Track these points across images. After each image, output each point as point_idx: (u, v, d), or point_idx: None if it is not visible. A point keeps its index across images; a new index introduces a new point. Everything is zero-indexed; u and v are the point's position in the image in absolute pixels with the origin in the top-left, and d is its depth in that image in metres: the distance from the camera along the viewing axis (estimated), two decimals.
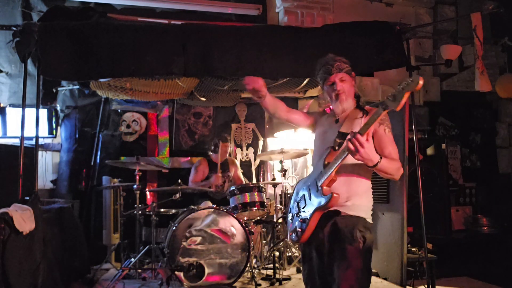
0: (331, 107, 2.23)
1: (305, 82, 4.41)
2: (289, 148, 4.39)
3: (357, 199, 2.03)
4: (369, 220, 2.06)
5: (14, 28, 3.06)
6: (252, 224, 4.10)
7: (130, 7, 5.08)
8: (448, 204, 5.29)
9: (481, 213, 5.76)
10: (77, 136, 4.95)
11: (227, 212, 3.69)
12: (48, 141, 4.90)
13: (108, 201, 4.56)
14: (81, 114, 4.99)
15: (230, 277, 3.57)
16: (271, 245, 4.29)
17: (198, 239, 3.54)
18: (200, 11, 5.30)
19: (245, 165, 5.42)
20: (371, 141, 1.93)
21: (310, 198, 2.05)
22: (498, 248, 5.09)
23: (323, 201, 1.95)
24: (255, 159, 5.46)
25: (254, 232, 4.08)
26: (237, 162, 5.02)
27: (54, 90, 4.90)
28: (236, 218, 3.66)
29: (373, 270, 4.08)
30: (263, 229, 4.35)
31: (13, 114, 4.49)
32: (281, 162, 4.45)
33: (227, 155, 4.76)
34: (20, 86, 4.52)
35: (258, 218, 4.18)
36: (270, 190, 4.92)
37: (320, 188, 1.98)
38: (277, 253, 4.17)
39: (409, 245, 3.98)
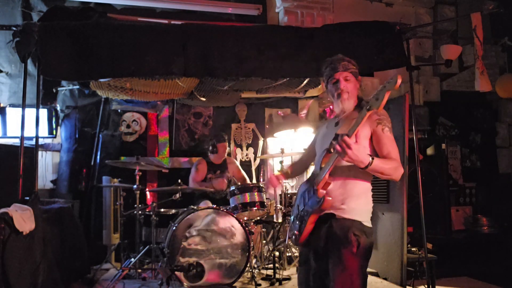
0: (331, 107, 2.24)
1: (305, 82, 4.41)
2: (289, 148, 4.38)
3: (353, 202, 2.01)
4: (367, 223, 2.03)
5: (14, 28, 3.06)
6: (252, 224, 4.10)
7: (130, 7, 5.08)
8: (448, 204, 5.28)
9: (481, 213, 5.75)
10: (77, 136, 4.94)
11: (227, 212, 3.69)
12: (48, 141, 4.90)
13: (108, 201, 4.56)
14: (81, 114, 4.98)
15: (230, 277, 3.57)
16: (272, 245, 4.29)
17: (198, 239, 3.54)
18: (200, 11, 5.30)
19: (245, 165, 5.42)
20: (360, 142, 1.93)
21: (307, 201, 2.05)
22: (498, 248, 5.09)
23: (316, 204, 1.96)
24: (255, 159, 5.46)
25: (254, 232, 4.08)
26: (237, 162, 5.01)
27: (54, 90, 4.90)
28: (236, 218, 3.66)
29: (373, 270, 4.08)
30: (263, 229, 4.35)
31: (13, 114, 4.49)
32: (281, 162, 4.45)
33: (226, 155, 4.75)
34: (20, 86, 4.52)
35: (258, 218, 4.18)
36: (270, 190, 4.92)
37: (315, 190, 1.98)
38: (277, 253, 4.17)
39: (409, 245, 3.98)
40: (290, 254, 4.45)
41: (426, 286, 3.61)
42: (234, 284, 3.61)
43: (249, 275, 3.84)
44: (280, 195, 4.58)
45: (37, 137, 3.24)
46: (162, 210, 4.04)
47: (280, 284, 3.78)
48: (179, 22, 3.62)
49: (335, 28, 3.72)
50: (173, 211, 4.02)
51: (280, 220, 4.37)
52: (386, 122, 2.03)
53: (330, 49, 3.52)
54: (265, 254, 4.28)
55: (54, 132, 4.75)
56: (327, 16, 5.55)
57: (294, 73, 3.58)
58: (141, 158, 4.03)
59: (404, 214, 3.74)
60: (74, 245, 3.86)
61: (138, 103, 5.08)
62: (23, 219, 2.69)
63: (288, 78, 4.13)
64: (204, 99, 4.78)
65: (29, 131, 3.40)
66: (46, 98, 4.82)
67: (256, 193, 3.95)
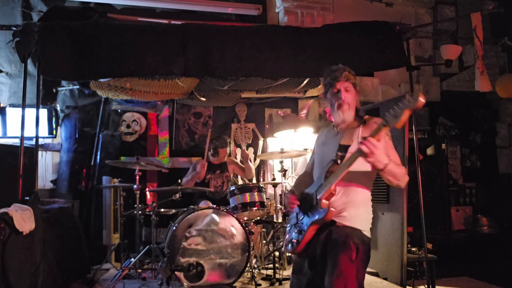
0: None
1: (305, 82, 4.41)
2: (289, 148, 4.38)
3: (354, 209, 2.02)
4: (366, 233, 2.04)
5: (14, 28, 3.06)
6: (252, 224, 4.10)
7: (130, 7, 5.08)
8: (448, 204, 5.28)
9: (481, 213, 5.75)
10: (77, 136, 4.94)
11: (227, 212, 3.69)
12: (48, 141, 4.90)
13: (108, 201, 4.56)
14: (81, 114, 4.98)
15: (230, 277, 3.57)
16: (272, 245, 4.29)
17: (198, 239, 3.54)
18: (200, 11, 5.30)
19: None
20: (382, 143, 1.92)
21: (308, 211, 2.04)
22: (498, 248, 5.09)
23: (320, 215, 1.95)
24: (255, 159, 5.46)
25: (254, 232, 4.07)
26: (235, 160, 5.01)
27: (54, 90, 4.90)
28: (236, 218, 3.66)
29: (373, 270, 4.08)
30: (263, 229, 4.35)
31: (13, 114, 4.49)
32: (281, 162, 4.45)
33: (225, 159, 4.76)
34: (20, 86, 4.51)
35: (258, 218, 4.18)
36: (270, 190, 4.92)
37: (318, 201, 1.97)
38: (277, 253, 4.17)
39: (409, 245, 3.98)
40: (289, 254, 4.44)
41: (426, 286, 3.61)
42: (234, 284, 3.61)
43: (249, 275, 3.84)
44: (280, 195, 4.58)
45: (37, 137, 3.24)
46: (162, 210, 4.04)
47: (280, 284, 3.78)
48: (179, 22, 3.61)
49: (335, 28, 3.72)
50: (173, 211, 4.02)
51: (280, 220, 4.36)
52: (387, 130, 2.03)
53: (330, 49, 3.53)
54: (265, 254, 4.28)
55: (54, 132, 4.75)
56: (327, 16, 5.55)
57: (294, 73, 3.58)
58: (141, 158, 4.02)
59: (404, 214, 3.74)
60: (74, 245, 3.86)
61: (138, 103, 5.08)
62: (23, 219, 2.69)
63: (288, 78, 4.14)
64: (204, 99, 4.78)
65: (29, 131, 3.40)
66: (46, 98, 4.82)
67: (256, 193, 3.95)
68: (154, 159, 5.09)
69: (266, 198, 4.13)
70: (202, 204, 4.16)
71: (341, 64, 2.17)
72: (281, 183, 4.44)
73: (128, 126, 5.12)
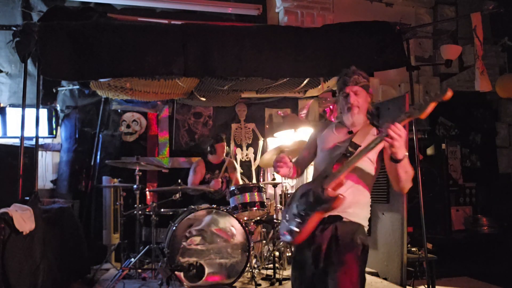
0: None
1: (305, 82, 4.41)
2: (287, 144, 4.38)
3: (358, 208, 2.06)
4: (366, 229, 2.10)
5: (14, 28, 3.06)
6: (252, 224, 4.10)
7: (130, 7, 5.08)
8: (448, 204, 5.29)
9: (481, 213, 5.75)
10: (77, 136, 4.94)
11: (227, 212, 3.69)
12: (48, 141, 4.90)
13: (108, 201, 4.56)
14: (81, 114, 4.99)
15: (230, 277, 3.57)
16: (272, 245, 4.29)
17: (198, 239, 3.54)
18: (200, 11, 5.30)
19: (245, 165, 5.42)
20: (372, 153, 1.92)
21: (312, 200, 2.03)
22: (498, 248, 5.09)
23: (326, 202, 1.94)
24: (255, 159, 5.46)
25: (254, 232, 4.08)
26: (236, 165, 5.01)
27: (54, 90, 4.90)
28: (236, 218, 3.66)
29: (373, 270, 4.08)
30: (263, 229, 4.35)
31: (13, 114, 4.49)
32: None
33: (224, 155, 4.76)
34: (20, 86, 4.52)
35: (258, 218, 4.18)
36: (270, 190, 4.92)
37: (325, 189, 1.97)
38: (277, 253, 4.17)
39: (409, 245, 3.98)
40: (290, 254, 4.45)
41: (426, 286, 3.61)
42: (234, 284, 3.61)
43: (249, 275, 3.84)
44: (280, 195, 4.58)
45: (37, 137, 3.24)
46: (162, 210, 4.04)
47: (280, 284, 3.78)
48: (179, 22, 3.61)
49: (335, 28, 3.72)
50: (173, 211, 4.02)
51: (280, 220, 4.36)
52: None
53: (330, 49, 3.53)
54: (265, 254, 4.28)
55: (54, 132, 4.76)
56: (327, 16, 5.55)
57: (294, 73, 3.58)
58: (141, 158, 4.02)
59: (404, 214, 3.75)
60: (74, 245, 3.86)
61: (138, 103, 5.08)
62: (23, 219, 2.69)
63: (288, 78, 4.14)
64: (204, 99, 4.78)
65: (29, 131, 3.40)
66: (46, 98, 4.82)
67: (256, 193, 3.95)
68: (154, 159, 5.09)
69: (266, 198, 4.14)
70: (202, 204, 4.15)
71: (348, 65, 2.17)
72: (281, 183, 4.44)
73: (128, 126, 5.12)
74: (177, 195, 3.98)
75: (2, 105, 4.60)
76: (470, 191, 6.05)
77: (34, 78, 3.54)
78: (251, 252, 3.66)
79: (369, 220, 2.14)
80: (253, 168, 5.46)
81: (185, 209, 3.81)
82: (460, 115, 6.33)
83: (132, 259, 3.90)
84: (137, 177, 3.99)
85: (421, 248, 3.79)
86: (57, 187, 4.88)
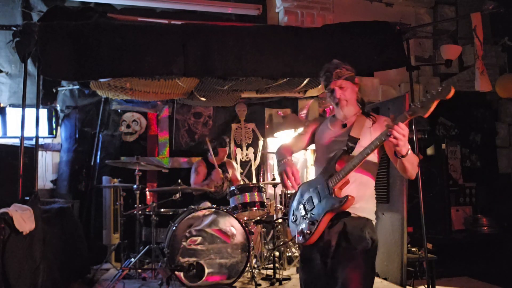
0: (331, 107, 2.23)
1: (305, 82, 4.41)
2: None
3: (365, 202, 2.06)
4: (374, 222, 2.10)
5: (14, 28, 3.06)
6: (252, 224, 4.10)
7: (130, 7, 5.08)
8: (448, 204, 5.28)
9: (481, 213, 5.75)
10: (77, 136, 4.95)
11: (227, 212, 3.70)
12: (48, 141, 4.90)
13: (108, 201, 4.56)
14: (81, 114, 4.99)
15: (230, 277, 3.57)
16: (272, 245, 4.29)
17: (198, 239, 3.54)
18: (200, 11, 5.30)
19: (245, 165, 5.42)
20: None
21: (319, 201, 2.03)
22: (498, 248, 5.08)
23: (336, 203, 1.95)
24: (255, 159, 5.46)
25: (254, 232, 4.08)
26: (234, 164, 5.01)
27: (54, 90, 4.90)
28: (236, 218, 3.67)
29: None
30: (263, 229, 4.35)
31: (13, 114, 4.49)
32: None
33: (225, 158, 4.76)
34: (20, 86, 4.52)
35: (258, 218, 4.18)
36: (270, 190, 4.92)
37: (332, 190, 1.98)
38: (277, 253, 4.17)
39: (409, 245, 3.98)
40: (290, 254, 4.45)
41: (426, 286, 3.61)
42: (234, 284, 3.61)
43: (249, 275, 3.84)
44: (280, 195, 4.58)
45: (37, 137, 3.24)
46: (162, 210, 4.04)
47: (280, 284, 3.78)
48: (179, 22, 3.62)
49: (335, 28, 3.72)
50: (173, 211, 4.02)
51: (280, 220, 4.36)
52: None
53: (330, 49, 3.53)
54: (265, 254, 4.28)
55: (54, 132, 4.75)
56: (327, 16, 5.55)
57: (294, 73, 3.58)
58: (141, 158, 4.02)
59: (404, 214, 3.74)
60: (74, 245, 3.86)
61: (138, 103, 5.08)
62: (23, 219, 2.69)
63: (288, 78, 4.14)
64: (204, 99, 4.78)
65: (29, 131, 3.40)
66: (46, 98, 4.83)
67: (256, 193, 3.95)
68: (154, 159, 5.09)
69: (266, 198, 4.14)
70: (202, 205, 4.16)
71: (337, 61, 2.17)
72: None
73: (128, 126, 5.13)
74: (177, 195, 3.98)
75: (2, 105, 4.60)
76: (470, 191, 6.05)
77: (34, 78, 3.54)
78: (251, 252, 3.66)
79: None
80: (253, 168, 5.46)
81: (185, 209, 3.81)
82: (460, 115, 6.32)
83: (132, 259, 3.91)
84: (137, 177, 3.99)
85: (421, 248, 3.78)
86: (57, 187, 4.88)
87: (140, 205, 4.05)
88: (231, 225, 3.64)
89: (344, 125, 2.14)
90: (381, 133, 1.87)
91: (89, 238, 4.59)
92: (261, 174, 5.47)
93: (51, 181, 4.91)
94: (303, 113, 5.55)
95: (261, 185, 4.08)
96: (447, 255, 4.33)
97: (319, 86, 4.72)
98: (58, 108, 4.91)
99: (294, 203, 2.21)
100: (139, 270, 3.90)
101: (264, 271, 4.07)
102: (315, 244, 2.05)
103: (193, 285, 3.46)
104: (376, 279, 3.92)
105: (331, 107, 2.09)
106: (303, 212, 2.11)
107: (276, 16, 5.62)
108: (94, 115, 5.03)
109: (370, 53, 3.51)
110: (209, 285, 3.52)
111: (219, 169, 4.50)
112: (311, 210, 2.06)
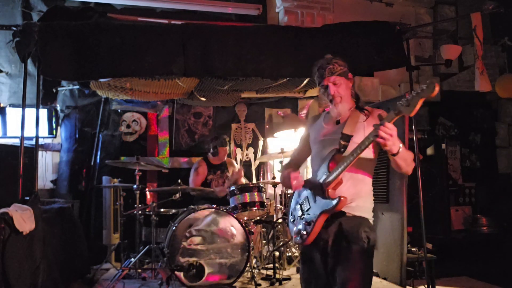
0: (330, 106, 2.21)
1: (305, 82, 4.41)
2: (289, 149, 4.39)
3: (361, 200, 2.04)
4: (372, 221, 2.08)
5: (14, 28, 3.06)
6: (252, 224, 4.10)
7: (130, 7, 5.07)
8: (447, 204, 5.29)
9: (481, 213, 5.76)
10: (77, 136, 4.95)
11: (227, 212, 3.70)
12: (48, 141, 4.90)
13: (108, 201, 4.56)
14: (81, 114, 4.99)
15: (230, 277, 3.57)
16: (272, 245, 4.29)
17: (198, 239, 3.54)
18: (200, 11, 5.30)
19: (245, 165, 5.42)
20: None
21: (314, 201, 2.03)
22: (497, 248, 5.09)
23: (330, 204, 1.94)
24: (255, 159, 5.46)
25: (254, 232, 4.08)
26: (235, 163, 5.01)
27: (54, 90, 4.90)
28: (236, 218, 3.67)
29: (373, 270, 4.08)
30: (263, 229, 4.35)
31: (13, 114, 4.49)
32: (281, 162, 4.45)
33: (226, 157, 4.76)
34: (20, 86, 4.51)
35: (258, 218, 4.18)
36: (270, 190, 4.92)
37: (326, 191, 1.97)
38: (277, 253, 4.17)
39: (409, 245, 3.98)
40: (290, 254, 4.45)
41: (425, 286, 3.61)
42: (234, 284, 3.61)
43: (249, 275, 3.84)
44: (280, 195, 4.58)
45: (37, 137, 3.24)
46: (162, 210, 4.04)
47: (280, 284, 3.78)
48: (179, 22, 3.62)
49: (335, 28, 3.72)
50: (173, 211, 4.02)
51: (280, 220, 4.37)
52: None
53: (330, 49, 3.51)
54: (265, 254, 4.28)
55: (54, 132, 4.76)
56: (327, 16, 5.55)
57: (294, 73, 3.58)
58: (141, 158, 4.02)
59: (404, 214, 3.74)
60: (74, 245, 3.86)
61: (138, 103, 5.08)
62: (23, 219, 2.69)
63: (288, 78, 4.14)
64: (204, 99, 4.78)
65: (29, 131, 3.40)
66: (46, 98, 4.82)
67: (256, 193, 3.95)
68: (154, 159, 5.09)
69: (266, 198, 4.14)
70: (202, 204, 4.15)
71: (348, 65, 2.16)
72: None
73: (128, 126, 5.13)
74: (177, 195, 3.98)
75: (2, 105, 4.60)
76: (470, 191, 6.06)
77: (34, 78, 3.54)
78: (251, 252, 3.66)
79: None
80: (253, 168, 5.46)
81: (185, 209, 3.81)
82: (460, 115, 6.33)
83: (132, 259, 3.91)
84: (137, 177, 3.99)
85: (421, 248, 3.79)
86: (57, 187, 4.88)
87: (140, 205, 4.05)
88: (231, 225, 3.64)
89: (338, 122, 2.12)
90: (370, 133, 1.86)
91: (89, 238, 4.59)
92: (261, 174, 5.48)
93: (51, 181, 4.91)
94: (303, 113, 5.55)
95: (261, 185, 4.08)
96: (446, 255, 4.34)
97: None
98: (58, 108, 4.91)
99: (293, 203, 2.21)
100: (139, 270, 3.90)
101: (264, 271, 4.07)
102: (314, 243, 2.04)
103: (193, 285, 3.46)
104: (376, 279, 3.92)
105: (330, 106, 2.09)
106: (300, 213, 2.11)
107: (276, 16, 5.62)
108: (94, 115, 5.03)
109: (370, 53, 3.51)
110: (209, 285, 3.52)
111: (226, 189, 4.45)
112: (307, 210, 2.06)
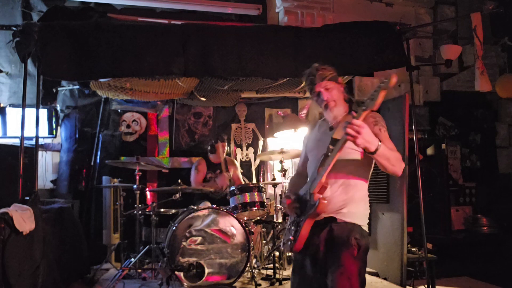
0: None
1: (305, 82, 4.41)
2: (289, 149, 4.39)
3: (354, 206, 2.01)
4: (365, 228, 2.04)
5: (14, 28, 3.06)
6: (252, 224, 4.10)
7: (130, 7, 5.07)
8: (448, 204, 5.29)
9: (481, 213, 5.75)
10: (77, 136, 4.94)
11: (227, 212, 3.70)
12: (48, 141, 4.90)
13: (108, 201, 4.56)
14: (81, 114, 4.98)
15: (230, 277, 3.57)
16: (272, 245, 4.29)
17: (198, 239, 3.54)
18: (200, 11, 5.30)
19: (245, 165, 5.42)
20: (367, 126, 1.89)
21: (305, 207, 2.02)
22: (498, 248, 5.09)
23: (311, 208, 1.93)
24: (255, 159, 5.46)
25: (254, 232, 4.08)
26: (237, 163, 5.02)
27: (54, 90, 4.90)
28: (236, 218, 3.66)
29: (373, 270, 4.08)
30: (263, 229, 4.35)
31: (13, 114, 4.49)
32: (281, 162, 4.45)
33: (225, 154, 4.76)
34: (20, 86, 4.51)
35: (258, 218, 4.18)
36: (270, 190, 4.92)
37: (311, 195, 1.95)
38: (277, 253, 4.17)
39: (409, 245, 3.98)
40: (290, 254, 4.44)
41: (426, 286, 3.61)
42: (234, 284, 3.61)
43: (249, 275, 3.84)
44: (280, 195, 4.58)
45: (37, 137, 3.24)
46: (162, 210, 4.04)
47: (280, 284, 3.78)
48: (179, 22, 3.61)
49: (335, 28, 3.72)
50: (173, 211, 4.02)
51: (280, 220, 4.37)
52: (382, 123, 2.04)
53: (330, 49, 3.53)
54: (265, 254, 4.28)
55: (54, 132, 4.75)
56: (327, 16, 5.55)
57: (294, 73, 3.58)
58: (141, 158, 4.02)
59: (404, 214, 3.75)
60: (74, 245, 3.86)
61: (138, 103, 5.08)
62: (23, 219, 2.69)
63: (288, 78, 4.14)
64: (204, 99, 4.78)
65: (29, 131, 3.40)
66: (46, 98, 4.82)
67: (256, 193, 3.95)
68: (154, 159, 5.09)
69: (266, 198, 4.14)
70: (202, 205, 4.16)
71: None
72: (281, 183, 4.44)
73: (128, 126, 5.13)
74: (177, 195, 3.98)
75: (2, 105, 4.60)
76: (470, 191, 6.06)
77: (34, 78, 3.54)
78: (251, 252, 3.66)
79: (369, 219, 2.12)
80: (253, 168, 5.46)
81: (185, 209, 3.81)
82: (460, 115, 6.32)
83: (132, 259, 3.90)
84: (137, 177, 3.99)
85: (421, 248, 3.79)
86: (57, 187, 4.88)
87: (140, 205, 4.05)
88: (231, 225, 3.64)
89: (331, 128, 2.12)
90: (342, 135, 1.85)
91: (89, 238, 4.59)
92: (261, 174, 5.48)
93: (51, 181, 4.91)
94: (303, 113, 5.55)
95: (261, 185, 4.08)
96: (447, 255, 4.34)
97: None
98: (58, 108, 4.91)
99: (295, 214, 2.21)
100: (139, 270, 3.89)
101: (264, 271, 4.07)
102: (305, 250, 2.03)
103: (193, 285, 3.46)
104: (376, 279, 3.92)
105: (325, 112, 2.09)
106: (293, 218, 2.12)
107: (276, 16, 5.62)
108: (94, 115, 5.03)
109: (370, 53, 3.51)
110: (209, 285, 3.52)
111: (226, 175, 4.49)
112: (299, 216, 2.05)
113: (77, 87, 4.78)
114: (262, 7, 5.49)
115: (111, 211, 4.52)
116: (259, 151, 5.46)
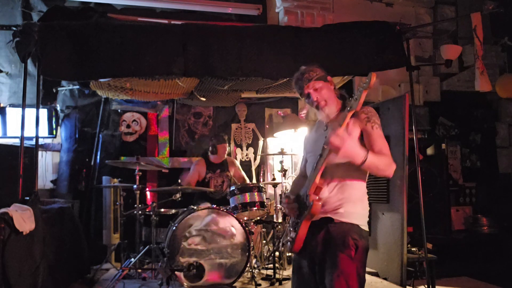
0: None
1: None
2: (289, 150, 4.39)
3: (351, 206, 1.99)
4: (364, 227, 2.02)
5: (14, 28, 3.06)
6: (252, 224, 4.10)
7: (130, 7, 5.07)
8: (448, 204, 5.28)
9: (481, 213, 5.75)
10: (77, 136, 4.94)
11: (227, 212, 3.70)
12: (48, 141, 4.90)
13: (108, 201, 4.56)
14: (81, 114, 4.99)
15: (230, 277, 3.57)
16: (272, 245, 4.29)
17: (198, 239, 3.54)
18: (200, 11, 5.30)
19: (245, 165, 5.42)
20: (353, 137, 1.90)
21: (303, 207, 2.02)
22: (498, 248, 5.09)
23: (306, 209, 1.93)
24: (255, 159, 5.46)
25: (254, 232, 4.08)
26: (237, 162, 5.02)
27: (54, 90, 4.90)
28: (236, 218, 3.66)
29: (373, 270, 4.08)
30: (263, 229, 4.35)
31: (13, 114, 4.49)
32: (281, 162, 4.45)
33: (226, 155, 4.76)
34: (20, 86, 4.51)
35: (258, 218, 4.18)
36: (270, 190, 4.92)
37: (307, 195, 1.95)
38: (277, 253, 4.17)
39: (409, 245, 3.98)
40: (290, 254, 4.44)
41: (426, 286, 3.61)
42: (234, 284, 3.61)
43: (249, 275, 3.84)
44: (280, 195, 4.58)
45: (37, 137, 3.24)
46: (162, 210, 4.04)
47: (280, 284, 3.78)
48: (179, 22, 3.62)
49: (335, 28, 3.72)
50: (173, 211, 4.02)
51: (280, 220, 4.37)
52: (375, 118, 2.01)
53: (330, 49, 3.53)
54: (265, 254, 4.28)
55: (54, 132, 4.75)
56: (327, 16, 5.55)
57: (294, 73, 3.56)
58: (141, 158, 4.02)
59: (404, 214, 3.74)
60: (74, 245, 3.86)
61: (138, 103, 5.08)
62: (23, 219, 2.69)
63: (288, 78, 4.13)
64: (204, 99, 4.78)
65: (29, 131, 3.40)
66: (46, 98, 4.82)
67: (256, 193, 3.95)
68: (154, 159, 5.09)
69: (266, 198, 4.14)
70: (202, 205, 4.15)
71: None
72: (281, 183, 4.44)
73: (128, 126, 5.13)
74: (177, 195, 3.98)
75: (2, 105, 4.60)
76: (470, 191, 6.06)
77: (34, 78, 3.54)
78: (251, 252, 3.65)
79: (369, 218, 2.11)
80: (253, 168, 5.46)
81: (185, 209, 3.81)
82: (460, 115, 6.33)
83: (132, 259, 3.90)
84: (137, 177, 3.99)
85: (421, 248, 3.79)
86: (57, 187, 4.88)
87: (140, 205, 4.05)
88: (231, 225, 3.64)
89: (326, 128, 2.12)
90: (324, 142, 1.89)
91: (89, 238, 4.59)
92: (261, 174, 5.48)
93: (51, 181, 4.91)
94: (303, 113, 5.55)
95: (261, 185, 4.08)
96: (447, 255, 4.34)
97: None
98: (58, 108, 4.91)
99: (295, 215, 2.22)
100: (139, 270, 3.89)
101: (264, 271, 4.07)
102: (303, 251, 2.03)
103: (193, 285, 3.46)
104: (376, 279, 3.92)
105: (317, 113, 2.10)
106: (293, 219, 2.12)
107: (276, 16, 5.62)
108: (94, 115, 5.03)
109: (370, 53, 3.51)
110: (209, 285, 3.52)
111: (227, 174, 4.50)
112: (298, 216, 2.06)
113: (77, 87, 4.78)
114: (262, 7, 5.50)
115: (111, 211, 4.52)
116: (259, 151, 5.46)
